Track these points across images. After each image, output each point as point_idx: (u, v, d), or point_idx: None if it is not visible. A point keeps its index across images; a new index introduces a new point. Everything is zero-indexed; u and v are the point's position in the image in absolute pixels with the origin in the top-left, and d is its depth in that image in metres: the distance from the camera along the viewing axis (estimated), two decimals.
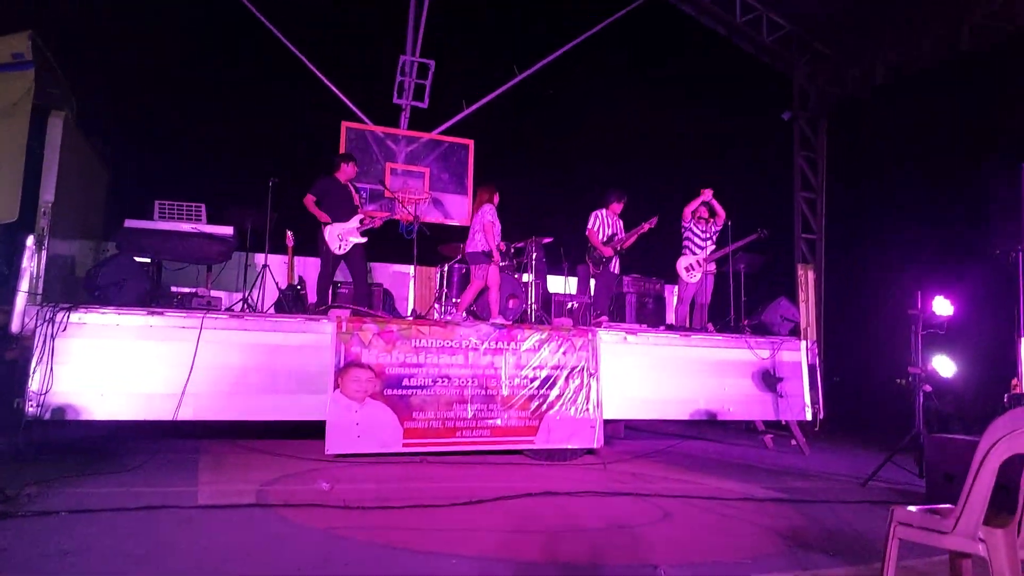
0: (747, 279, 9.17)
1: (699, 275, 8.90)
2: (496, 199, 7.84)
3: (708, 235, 8.99)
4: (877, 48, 12.92)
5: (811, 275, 9.02)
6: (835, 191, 14.45)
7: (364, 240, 7.84)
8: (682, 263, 8.92)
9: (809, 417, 8.38)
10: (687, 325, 8.92)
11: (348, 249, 7.72)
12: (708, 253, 8.92)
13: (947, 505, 2.85)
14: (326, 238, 7.70)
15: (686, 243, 8.97)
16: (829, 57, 13.88)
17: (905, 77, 12.44)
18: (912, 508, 2.92)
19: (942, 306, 6.99)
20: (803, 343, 8.55)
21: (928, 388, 7.02)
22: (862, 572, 3.78)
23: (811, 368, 8.49)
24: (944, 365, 7.21)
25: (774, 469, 7.46)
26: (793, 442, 8.64)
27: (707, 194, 8.92)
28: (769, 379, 8.20)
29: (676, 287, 9.22)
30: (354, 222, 7.75)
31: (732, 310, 9.00)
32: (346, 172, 7.94)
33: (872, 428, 10.89)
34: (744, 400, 8.14)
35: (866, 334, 13.00)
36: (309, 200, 7.68)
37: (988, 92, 11.53)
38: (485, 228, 7.66)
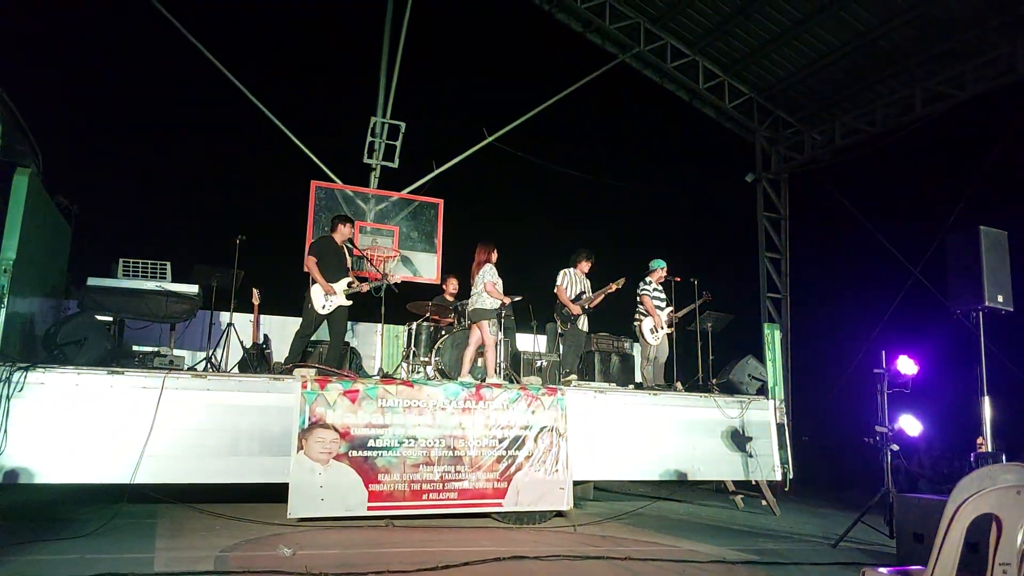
0: (715, 338, 9.27)
1: (662, 335, 8.99)
2: (495, 257, 7.91)
3: (665, 296, 9.15)
4: (835, 112, 13.50)
5: (777, 334, 9.14)
6: (799, 251, 14.82)
7: (349, 303, 7.80)
8: (646, 324, 8.99)
9: (779, 477, 8.37)
10: (655, 385, 8.92)
11: (332, 310, 7.67)
12: (667, 315, 9.04)
13: (918, 567, 2.84)
14: (312, 296, 7.64)
15: (654, 301, 9.05)
16: (789, 122, 14.42)
17: (863, 140, 12.96)
18: (883, 570, 2.92)
19: (907, 365, 7.12)
20: (771, 402, 8.61)
21: (895, 447, 7.08)
22: None
23: (779, 427, 8.52)
24: (910, 424, 7.30)
25: (745, 530, 7.41)
26: (764, 502, 8.61)
27: (660, 274, 9.14)
28: (739, 438, 8.21)
29: (641, 348, 9.25)
30: (342, 284, 7.73)
31: (700, 369, 9.05)
32: (342, 233, 7.96)
33: (841, 487, 10.92)
34: (714, 459, 8.11)
35: (833, 393, 13.15)
36: (311, 262, 7.65)
37: (943, 155, 12.04)
38: (487, 288, 7.74)
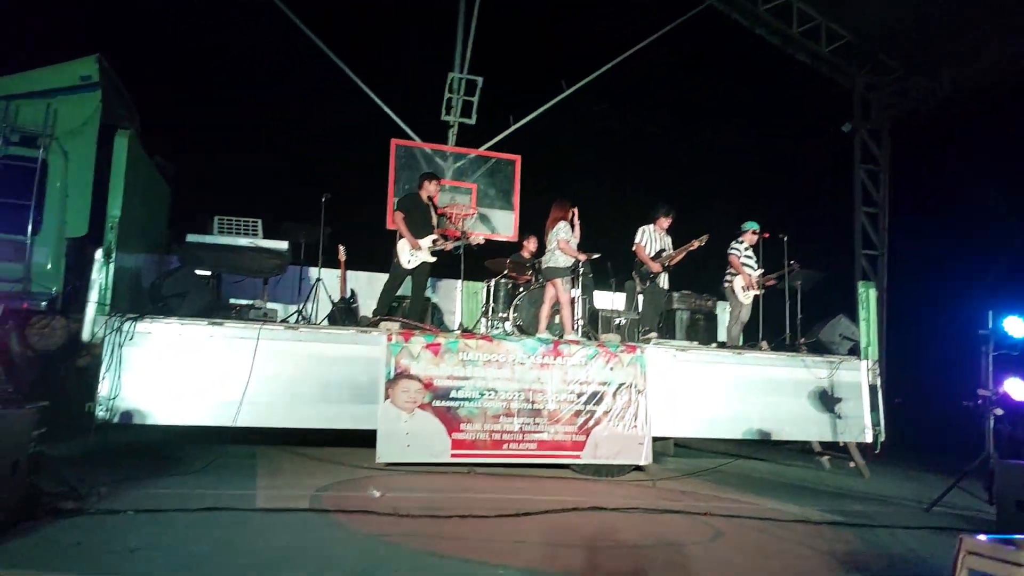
0: (804, 297, 8.97)
1: (753, 295, 8.77)
2: (569, 215, 7.88)
3: (755, 258, 8.89)
4: (944, 59, 12.55)
5: (872, 292, 8.76)
6: (898, 206, 14.04)
7: (433, 260, 7.95)
8: (738, 283, 8.77)
9: (869, 439, 8.11)
10: (740, 344, 8.72)
11: (416, 265, 7.84)
12: (759, 273, 8.79)
13: (1021, 536, 2.71)
14: (398, 251, 7.83)
15: (743, 262, 8.82)
16: (892, 68, 13.54)
17: (974, 89, 12.05)
18: (982, 537, 2.79)
19: (1016, 327, 6.71)
20: (864, 363, 8.30)
21: (999, 411, 6.72)
22: None
23: (872, 389, 8.23)
24: (1017, 388, 6.88)
25: (832, 491, 7.25)
26: (852, 464, 8.37)
27: (751, 236, 8.89)
28: (827, 399, 7.98)
29: (731, 308, 9.04)
30: (427, 241, 7.88)
31: (788, 328, 8.80)
32: (427, 189, 8.10)
33: (937, 452, 10.46)
34: (800, 420, 7.93)
35: (931, 354, 12.52)
36: (398, 217, 7.86)
37: None
38: (560, 245, 7.74)
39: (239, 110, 12.60)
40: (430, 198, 8.12)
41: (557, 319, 8.26)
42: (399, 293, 8.25)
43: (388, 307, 7.92)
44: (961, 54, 12.26)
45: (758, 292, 8.84)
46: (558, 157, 13.60)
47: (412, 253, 7.79)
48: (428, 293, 9.67)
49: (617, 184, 13.81)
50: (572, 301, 7.84)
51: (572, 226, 7.87)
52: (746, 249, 8.88)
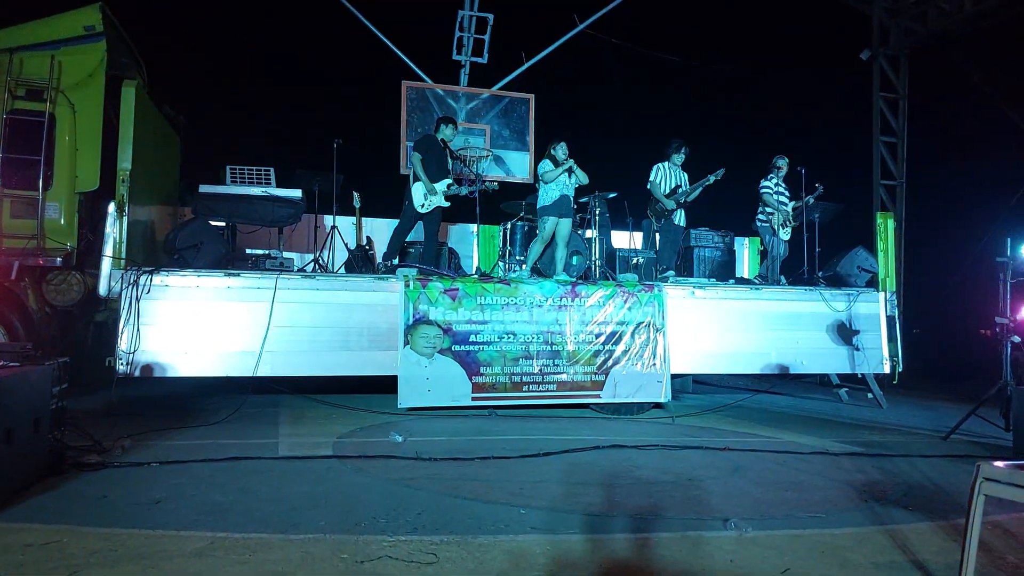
0: (822, 228, 8.84)
1: (790, 229, 8.64)
2: (554, 150, 7.68)
3: (785, 187, 8.73)
4: None
5: (891, 223, 8.62)
6: (918, 134, 13.67)
7: (447, 204, 7.88)
8: (775, 220, 8.62)
9: (887, 370, 8.10)
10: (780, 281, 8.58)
11: (431, 210, 7.77)
12: (792, 207, 8.64)
13: None
14: (412, 194, 7.72)
15: (778, 198, 8.66)
16: None
17: (999, 6, 11.54)
18: (999, 463, 2.78)
19: None
20: (881, 294, 8.23)
21: (1017, 339, 6.66)
22: (943, 527, 3.67)
23: (890, 320, 8.18)
24: None
25: (849, 423, 7.29)
26: (870, 396, 8.40)
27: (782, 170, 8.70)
28: (845, 332, 7.95)
29: (771, 246, 8.88)
30: (442, 185, 7.77)
31: (806, 261, 8.71)
32: (443, 133, 7.94)
33: (955, 382, 10.47)
34: (818, 353, 7.93)
35: (949, 284, 12.41)
36: (415, 159, 7.69)
37: None
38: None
39: (247, 57, 12.42)
40: (444, 141, 7.99)
41: (574, 259, 8.21)
42: (411, 238, 8.22)
43: (398, 250, 7.88)
44: None
45: (794, 224, 8.69)
46: (573, 94, 13.33)
47: (427, 197, 7.69)
48: (444, 237, 9.64)
49: (633, 120, 13.56)
50: (549, 239, 7.69)
51: (556, 161, 7.62)
52: (776, 184, 8.71)
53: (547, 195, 7.60)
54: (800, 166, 8.72)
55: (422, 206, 7.72)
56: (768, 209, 8.67)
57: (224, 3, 11.89)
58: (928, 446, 6.03)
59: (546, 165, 7.61)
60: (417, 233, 8.11)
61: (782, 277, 8.58)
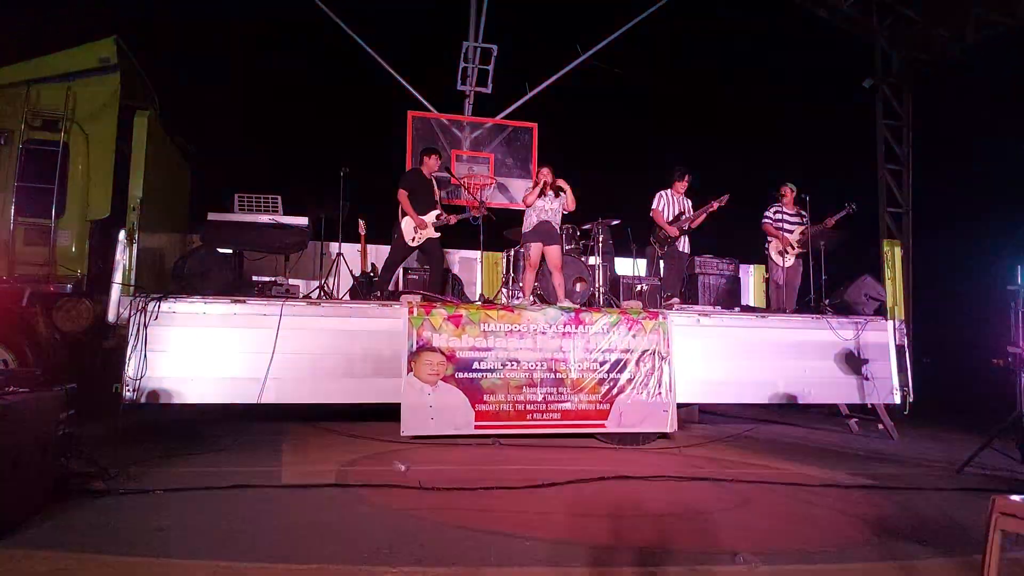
0: (828, 257, 8.82)
1: (792, 258, 8.63)
2: (537, 176, 7.69)
3: (796, 215, 8.72)
4: (968, 5, 12.14)
5: (898, 251, 8.59)
6: (922, 161, 13.72)
7: (437, 235, 7.92)
8: (774, 247, 8.64)
9: (897, 400, 8.01)
10: (786, 310, 8.56)
11: (421, 242, 7.82)
12: (799, 234, 8.63)
13: None
14: (402, 228, 7.83)
15: (778, 224, 8.68)
16: (914, 19, 13.14)
17: (1001, 35, 11.65)
18: (1016, 497, 2.73)
19: None
20: (890, 323, 8.17)
21: None
22: (959, 564, 3.59)
23: (899, 349, 8.11)
24: None
25: (860, 454, 7.19)
26: (880, 426, 8.30)
27: (786, 196, 8.70)
28: (853, 361, 7.88)
29: (770, 272, 8.90)
30: (431, 217, 7.84)
31: (812, 289, 8.68)
32: (428, 165, 8.04)
33: (967, 412, 10.34)
34: (826, 383, 7.85)
35: (959, 312, 12.34)
36: (402, 195, 7.82)
37: None
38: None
39: (256, 87, 12.60)
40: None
41: (578, 287, 8.21)
42: (413, 265, 8.27)
43: (388, 283, 7.92)
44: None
45: (800, 250, 8.67)
46: (577, 122, 13.43)
47: (417, 231, 7.78)
48: (448, 265, 9.66)
49: (636, 148, 13.64)
50: (534, 265, 7.67)
51: (535, 186, 7.62)
52: (776, 213, 8.73)
53: (528, 221, 7.63)
54: (804, 193, 8.75)
55: (412, 239, 7.84)
56: (768, 237, 8.70)
57: (234, 36, 12.08)
58: (941, 479, 5.93)
59: (528, 193, 7.64)
60: (412, 262, 8.17)
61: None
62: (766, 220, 8.78)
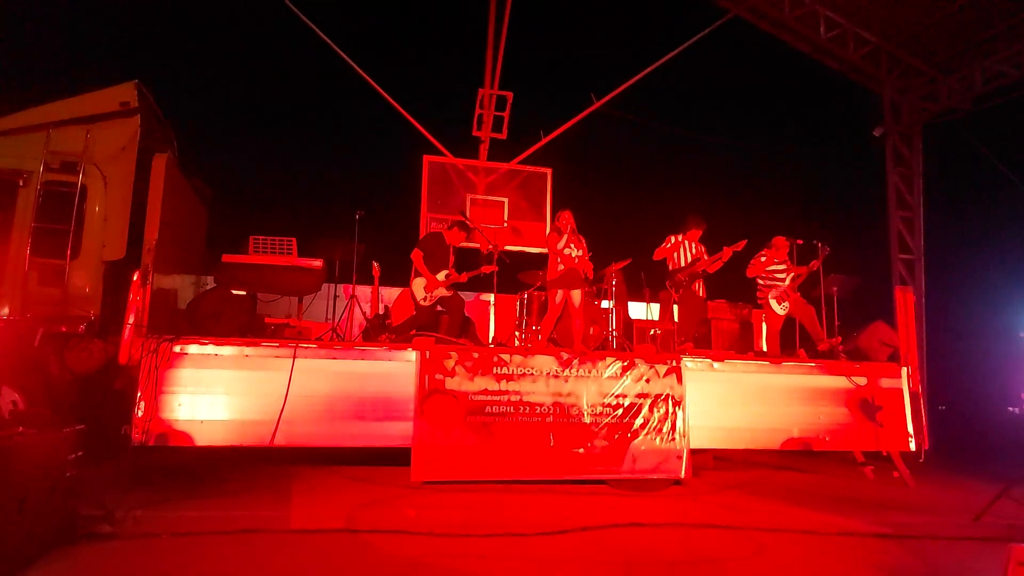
0: (840, 303, 8.80)
1: (788, 304, 8.61)
2: (559, 223, 7.79)
3: (785, 264, 8.73)
4: (975, 56, 12.33)
5: (910, 297, 8.55)
6: (933, 209, 13.76)
7: (450, 294, 8.02)
8: (771, 295, 8.64)
9: (913, 447, 7.89)
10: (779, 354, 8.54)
11: (433, 302, 7.92)
12: (790, 280, 8.63)
13: None
14: (413, 289, 7.94)
15: (768, 277, 8.69)
16: (922, 70, 13.33)
17: (1008, 85, 11.79)
18: None
19: None
20: (904, 369, 8.10)
21: None
22: None
23: (913, 395, 8.02)
24: None
25: (876, 502, 7.06)
26: (896, 474, 8.15)
27: (773, 251, 8.74)
28: (868, 407, 7.80)
29: (764, 318, 8.90)
30: (441, 276, 7.93)
31: (825, 336, 8.63)
32: (453, 236, 8.16)
33: (983, 460, 10.17)
34: (841, 429, 7.75)
35: (973, 359, 12.25)
36: (417, 256, 7.94)
37: None
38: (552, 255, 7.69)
39: (272, 131, 12.83)
40: (449, 244, 8.12)
41: (591, 331, 8.20)
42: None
43: (406, 332, 7.95)
44: (992, 49, 12.02)
45: (793, 295, 8.65)
46: (590, 169, 13.59)
47: (428, 289, 7.88)
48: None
49: (649, 193, 13.76)
50: (557, 311, 7.71)
51: (559, 232, 7.71)
52: (766, 261, 8.74)
53: (553, 267, 7.68)
54: (817, 239, 8.75)
55: (424, 299, 7.91)
56: (760, 283, 8.71)
57: (253, 79, 12.37)
58: (958, 528, 5.80)
59: (552, 236, 7.71)
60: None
61: (801, 351, 8.50)
62: (752, 264, 8.77)
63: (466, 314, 9.09)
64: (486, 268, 8.22)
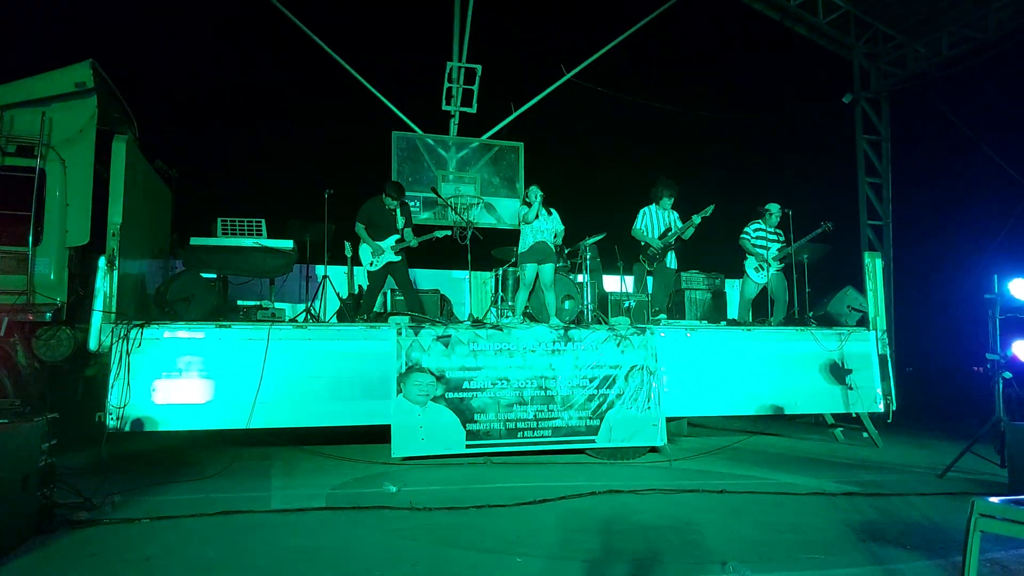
0: (811, 270, 8.92)
1: (766, 275, 8.70)
2: (528, 196, 7.77)
3: (775, 232, 8.80)
4: (943, 21, 12.42)
5: (878, 263, 8.70)
6: (902, 174, 13.95)
7: (398, 259, 7.95)
8: (751, 263, 8.71)
9: (881, 409, 8.09)
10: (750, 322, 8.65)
11: (381, 266, 7.86)
12: (777, 251, 8.71)
13: None
14: (360, 255, 7.93)
15: (757, 242, 8.75)
16: (890, 35, 13.41)
17: (975, 49, 11.92)
18: (994, 499, 2.78)
19: (1021, 289, 6.65)
20: (872, 333, 8.27)
21: (1008, 375, 6.68)
22: (942, 566, 3.63)
23: (882, 358, 8.20)
24: None
25: (845, 462, 7.25)
26: (865, 435, 8.37)
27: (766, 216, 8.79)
28: (837, 371, 7.96)
29: (740, 285, 8.99)
30: (388, 242, 7.89)
31: (796, 302, 8.77)
32: (392, 199, 8.02)
33: (949, 419, 10.46)
34: (812, 393, 7.92)
35: (940, 322, 12.52)
36: (358, 228, 7.90)
37: None
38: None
39: (238, 110, 12.59)
40: (391, 209, 8.03)
41: (567, 304, 8.24)
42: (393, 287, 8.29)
43: (371, 306, 7.92)
44: (959, 13, 12.11)
45: (780, 266, 8.73)
46: (563, 141, 13.54)
47: (374, 256, 7.84)
48: (437, 285, 9.65)
49: (622, 165, 13.76)
50: (530, 286, 7.72)
51: (529, 206, 7.66)
52: (756, 231, 8.80)
53: (524, 242, 7.68)
54: (788, 208, 8.84)
55: (372, 264, 7.89)
56: (747, 249, 8.80)
57: (215, 57, 12.11)
58: (924, 484, 6.00)
59: (522, 210, 7.69)
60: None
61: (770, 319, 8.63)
62: (744, 237, 8.85)
63: (442, 292, 9.09)
64: (439, 229, 8.22)
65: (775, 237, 8.80)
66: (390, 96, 11.15)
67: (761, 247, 8.71)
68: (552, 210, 7.73)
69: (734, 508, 5.02)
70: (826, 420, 8.98)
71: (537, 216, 7.57)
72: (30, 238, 6.71)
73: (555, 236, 7.79)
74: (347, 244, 8.60)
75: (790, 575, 3.50)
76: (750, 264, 8.73)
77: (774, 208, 8.80)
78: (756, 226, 8.82)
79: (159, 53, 11.76)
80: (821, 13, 13.29)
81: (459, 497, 5.22)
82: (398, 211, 8.04)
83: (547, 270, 7.66)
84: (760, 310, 9.14)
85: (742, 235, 8.85)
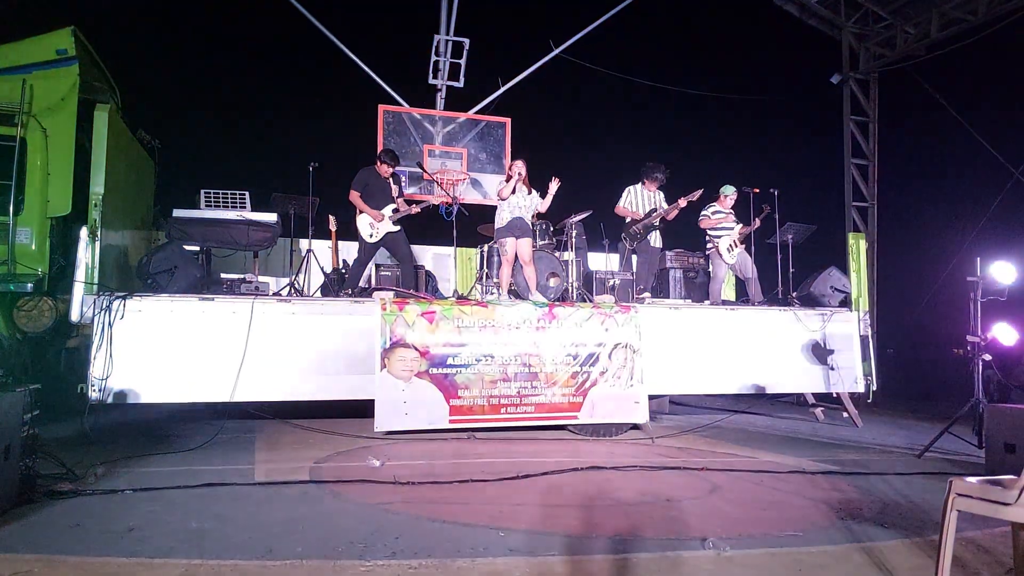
0: (795, 250, 8.98)
1: (737, 253, 8.75)
2: (510, 169, 7.75)
3: (727, 212, 8.83)
4: (933, 2, 12.40)
5: (863, 244, 8.77)
6: (888, 156, 14.00)
7: (397, 228, 7.88)
8: (722, 243, 8.75)
9: (862, 389, 8.20)
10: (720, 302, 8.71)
11: (380, 237, 7.78)
12: (738, 232, 8.74)
13: (1009, 476, 2.74)
14: (359, 227, 7.80)
15: (720, 226, 8.78)
16: (880, 16, 13.39)
17: (964, 31, 11.92)
18: (971, 479, 2.82)
19: (1003, 272, 6.72)
20: (855, 314, 8.35)
21: (988, 357, 6.78)
22: (919, 544, 3.70)
23: (863, 339, 8.29)
24: (1005, 333, 6.93)
25: (825, 442, 7.34)
26: (845, 415, 8.49)
27: (724, 200, 8.79)
28: (819, 351, 8.04)
29: (711, 267, 9.02)
30: (387, 211, 7.80)
31: (780, 282, 8.83)
32: (384, 169, 7.95)
33: (928, 400, 10.62)
34: (794, 372, 8.01)
35: (922, 303, 12.64)
36: (354, 196, 7.76)
37: None
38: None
39: (223, 80, 12.41)
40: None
41: (552, 282, 8.25)
42: (385, 262, 8.24)
43: (358, 279, 7.88)
44: None
45: (740, 247, 8.78)
46: (550, 117, 13.46)
47: (373, 226, 7.76)
48: (423, 260, 9.65)
49: (609, 143, 13.72)
50: (510, 261, 7.72)
51: (507, 180, 7.66)
52: (715, 213, 8.81)
53: (501, 217, 7.65)
54: (773, 187, 8.87)
55: (371, 236, 7.79)
56: (713, 234, 8.80)
57: (200, 27, 11.90)
58: (903, 464, 6.10)
59: (499, 184, 7.67)
60: (383, 257, 8.13)
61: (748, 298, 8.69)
62: (704, 216, 8.85)
63: (427, 267, 9.07)
64: (443, 202, 8.20)
65: (732, 219, 8.84)
66: (377, 69, 11.02)
67: (727, 228, 8.75)
68: (534, 190, 7.68)
69: (714, 485, 5.08)
70: (807, 400, 9.10)
71: (514, 192, 7.54)
72: (11, 208, 6.63)
73: (534, 215, 7.78)
74: (332, 218, 8.54)
75: (769, 551, 3.55)
76: (723, 244, 8.74)
77: (729, 190, 8.83)
78: (715, 208, 8.83)
79: (142, 22, 11.53)
80: None
81: (442, 471, 5.25)
82: (391, 181, 7.99)
83: (525, 244, 7.66)
84: (740, 290, 9.20)
85: (702, 216, 8.84)
